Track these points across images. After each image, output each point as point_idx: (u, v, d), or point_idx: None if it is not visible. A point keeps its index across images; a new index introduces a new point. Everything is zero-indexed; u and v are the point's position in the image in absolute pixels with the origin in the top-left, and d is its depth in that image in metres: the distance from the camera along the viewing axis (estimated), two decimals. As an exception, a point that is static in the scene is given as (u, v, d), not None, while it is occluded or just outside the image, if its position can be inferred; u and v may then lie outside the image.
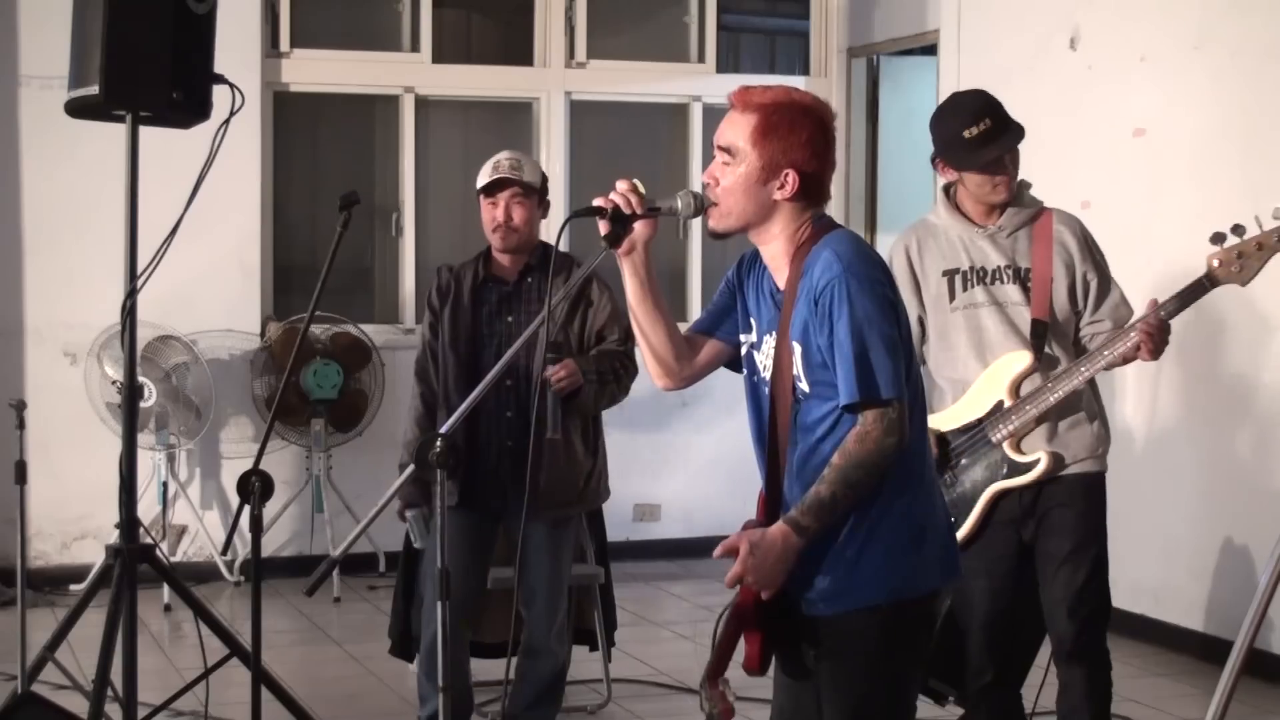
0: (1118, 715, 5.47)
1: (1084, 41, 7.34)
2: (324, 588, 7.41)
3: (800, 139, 3.18)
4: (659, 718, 6.06)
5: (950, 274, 4.53)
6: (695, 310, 8.95)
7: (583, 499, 5.29)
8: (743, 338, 3.37)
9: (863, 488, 3.12)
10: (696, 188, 3.30)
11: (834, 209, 9.10)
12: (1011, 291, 4.45)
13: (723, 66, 9.35)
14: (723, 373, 3.55)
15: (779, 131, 3.18)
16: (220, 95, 4.88)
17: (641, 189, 3.24)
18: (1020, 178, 4.56)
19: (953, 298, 4.51)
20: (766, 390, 3.29)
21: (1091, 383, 4.48)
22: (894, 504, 3.19)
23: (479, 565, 5.26)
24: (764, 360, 3.29)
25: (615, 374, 5.08)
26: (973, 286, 4.49)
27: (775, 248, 3.26)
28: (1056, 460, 4.42)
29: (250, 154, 8.31)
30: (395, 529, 5.59)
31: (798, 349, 3.18)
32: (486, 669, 5.73)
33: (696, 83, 9.21)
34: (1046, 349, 4.41)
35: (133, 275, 4.87)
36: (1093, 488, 4.49)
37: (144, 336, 7.30)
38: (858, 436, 3.09)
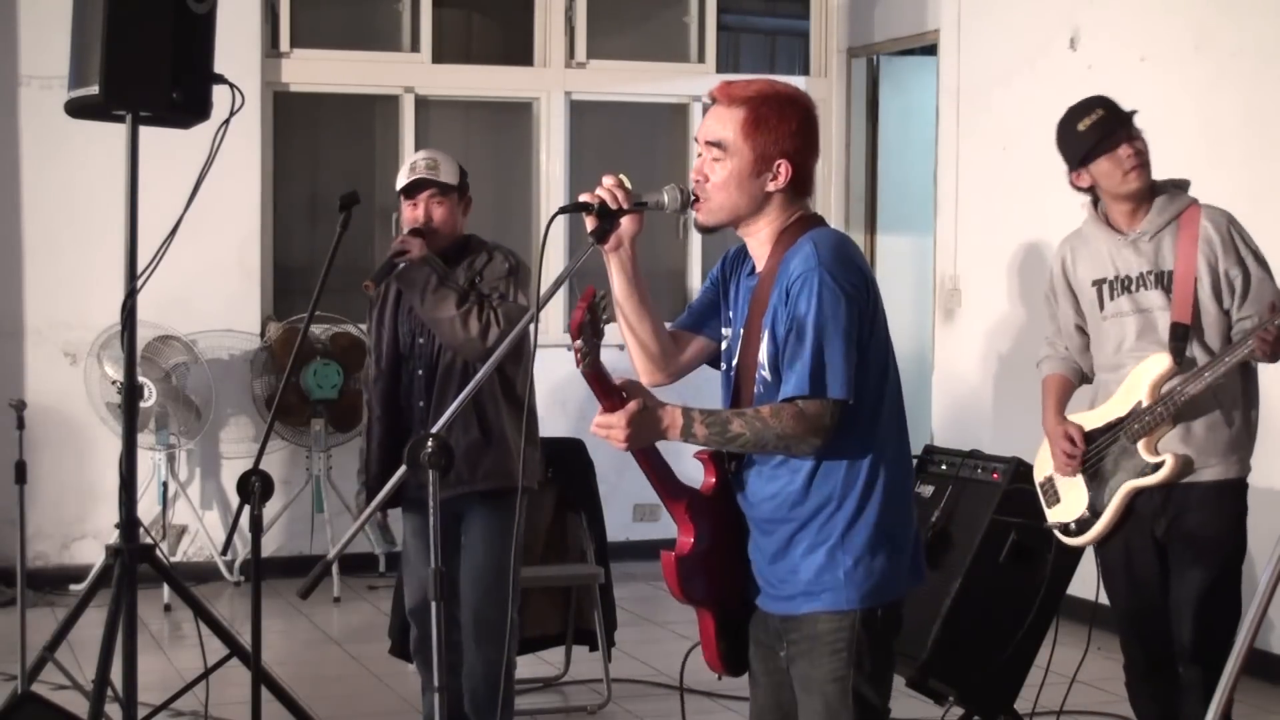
0: (1117, 715, 5.48)
1: (1084, 42, 7.34)
2: (324, 587, 7.43)
3: (790, 128, 3.19)
4: (659, 718, 6.06)
5: (1099, 284, 4.54)
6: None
7: (480, 478, 4.92)
8: (724, 332, 3.37)
9: (767, 453, 3.17)
10: (688, 183, 3.29)
11: (834, 209, 9.16)
12: (1154, 297, 4.44)
13: (723, 66, 9.35)
14: (712, 371, 3.55)
15: (769, 122, 3.19)
16: (220, 95, 4.89)
17: (628, 184, 3.23)
18: (1171, 176, 4.55)
19: (1102, 307, 4.53)
20: (734, 373, 3.30)
21: (1246, 383, 4.43)
22: (868, 509, 3.19)
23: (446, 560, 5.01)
24: (737, 346, 3.29)
25: (462, 294, 4.85)
26: (1118, 295, 4.50)
27: (762, 237, 3.26)
28: (1184, 462, 4.38)
29: (250, 154, 8.31)
30: (395, 529, 5.60)
31: (765, 336, 3.18)
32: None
33: (696, 83, 9.20)
34: (1189, 351, 4.38)
35: (132, 275, 4.87)
36: (1226, 493, 4.44)
37: (144, 336, 7.30)
38: (795, 415, 3.08)
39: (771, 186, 3.20)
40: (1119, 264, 4.50)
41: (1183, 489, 4.42)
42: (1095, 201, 4.61)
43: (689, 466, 3.34)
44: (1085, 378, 4.71)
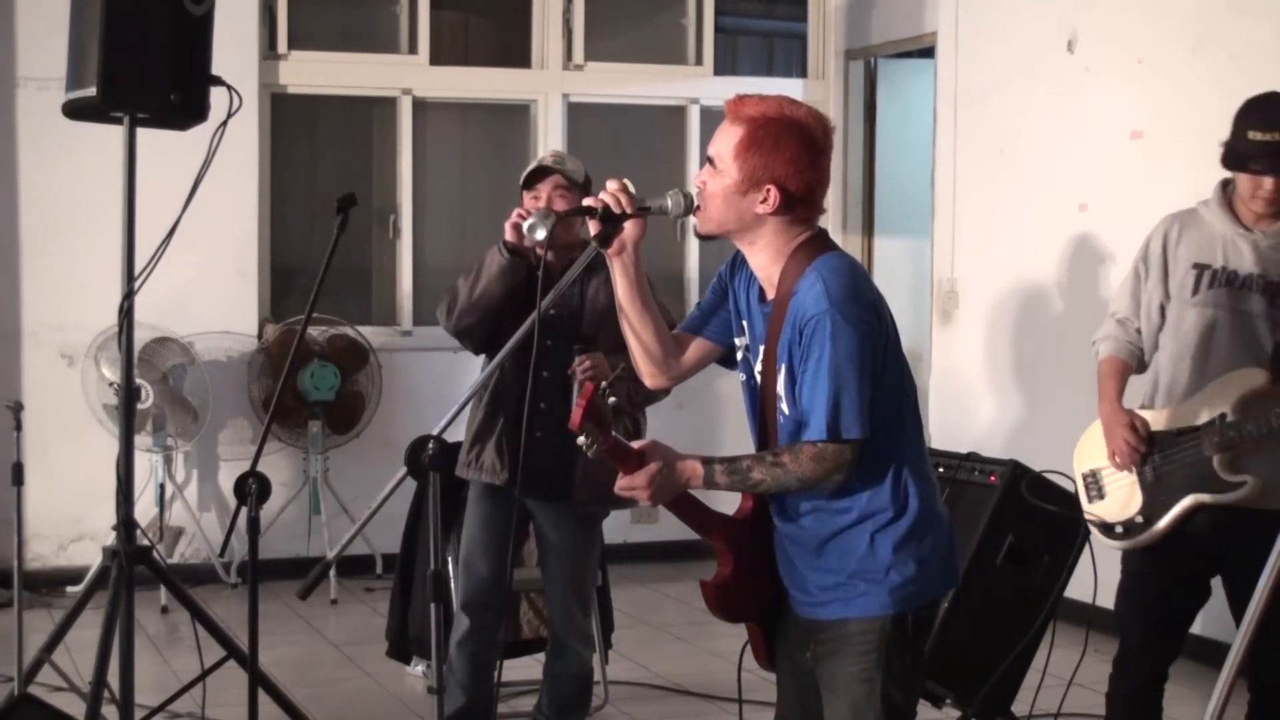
0: (1115, 717, 5.48)
1: (1081, 44, 7.34)
2: (321, 589, 7.42)
3: (783, 156, 3.17)
4: (656, 720, 6.07)
5: (1200, 268, 4.40)
6: (693, 312, 8.94)
7: (617, 499, 5.12)
8: (737, 341, 3.38)
9: (787, 493, 3.22)
10: (691, 188, 3.30)
11: (832, 211, 9.15)
12: (1255, 302, 4.33)
13: (720, 69, 9.34)
14: (720, 376, 3.56)
15: (762, 147, 3.17)
16: (218, 97, 4.89)
17: (631, 188, 3.25)
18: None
19: (1195, 291, 4.39)
20: (758, 396, 3.31)
21: None
22: (899, 517, 3.22)
23: (502, 557, 5.09)
24: (757, 369, 3.31)
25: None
26: (1219, 286, 4.37)
27: (761, 259, 3.27)
28: (1265, 487, 4.26)
29: (248, 156, 8.30)
30: (392, 531, 5.60)
31: (783, 369, 3.20)
32: (523, 666, 5.73)
33: (694, 85, 9.21)
34: None
35: (130, 277, 4.87)
36: None
37: (141, 338, 7.29)
38: (814, 456, 3.13)
39: (761, 209, 3.20)
40: (1230, 256, 4.37)
41: (1253, 516, 4.24)
42: (1225, 184, 4.48)
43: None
44: (1142, 364, 4.55)
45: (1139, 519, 4.45)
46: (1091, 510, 4.59)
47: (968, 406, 7.99)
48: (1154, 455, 4.42)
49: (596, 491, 4.91)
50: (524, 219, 4.83)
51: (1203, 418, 4.33)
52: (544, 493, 5.03)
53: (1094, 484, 4.58)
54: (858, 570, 3.21)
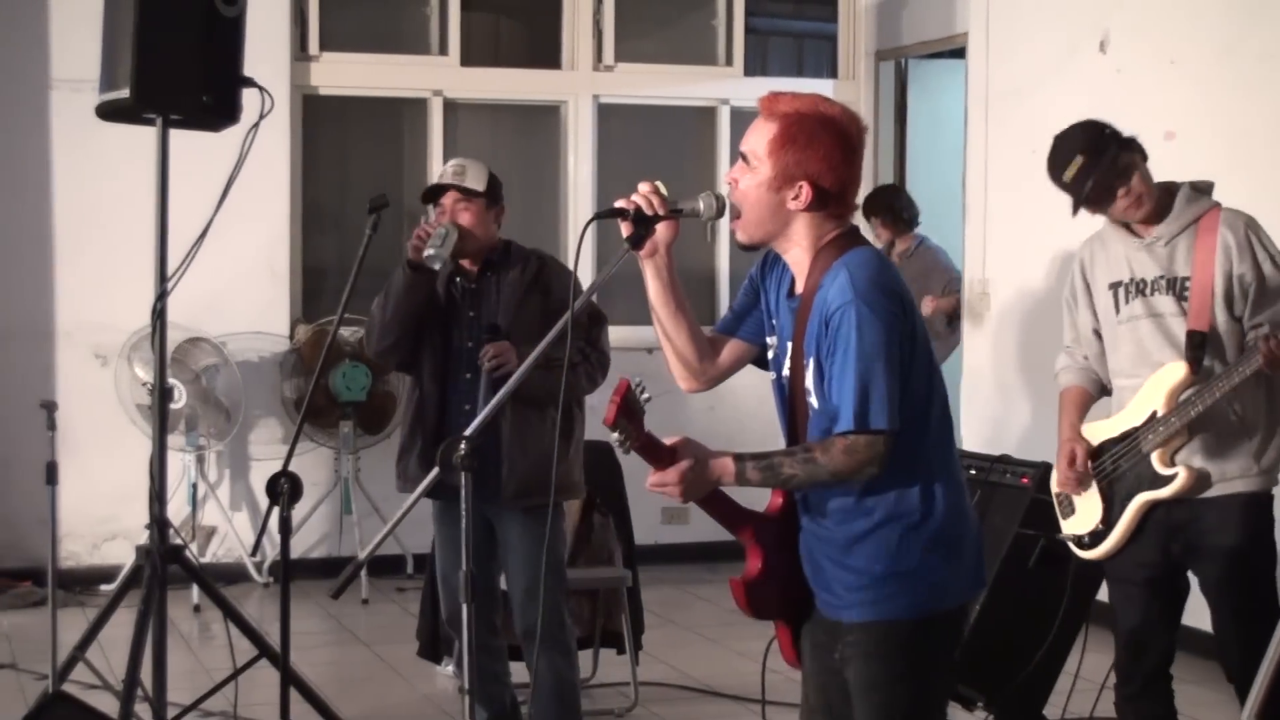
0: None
1: (1114, 44, 7.31)
2: (352, 589, 7.44)
3: (817, 153, 3.17)
4: (686, 721, 6.07)
5: (1115, 287, 4.47)
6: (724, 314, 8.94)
7: (558, 489, 5.04)
8: (769, 340, 3.38)
9: (820, 489, 3.21)
10: (723, 190, 3.30)
11: (861, 212, 9.12)
12: (1165, 303, 4.37)
13: (750, 70, 9.34)
14: (749, 376, 3.56)
15: (796, 143, 3.17)
16: (249, 98, 4.91)
17: (664, 191, 3.25)
18: (1194, 179, 4.48)
19: (1118, 310, 4.46)
20: (788, 392, 3.31)
21: (1271, 393, 4.33)
22: (927, 518, 3.21)
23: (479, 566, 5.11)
24: (786, 365, 3.31)
25: (584, 357, 5.02)
26: (1133, 299, 4.42)
27: (796, 254, 3.27)
28: (1198, 476, 4.30)
29: (279, 157, 8.34)
30: (423, 531, 5.61)
31: (810, 363, 3.20)
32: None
33: (724, 86, 9.21)
34: (1206, 360, 4.29)
35: (163, 277, 4.90)
36: (1249, 508, 4.34)
37: (174, 338, 7.32)
38: (846, 449, 3.12)
39: (793, 205, 3.20)
40: (1134, 267, 4.43)
41: (1202, 504, 4.32)
42: None
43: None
44: (1105, 388, 4.61)
45: (1100, 527, 4.49)
46: (1065, 527, 4.65)
47: (999, 408, 7.96)
48: (1105, 463, 4.47)
49: (524, 485, 4.95)
50: (424, 240, 4.90)
51: (1140, 419, 4.39)
52: (481, 495, 4.99)
53: (1066, 501, 4.63)
54: (886, 571, 3.20)
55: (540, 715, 5.11)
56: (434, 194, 5.11)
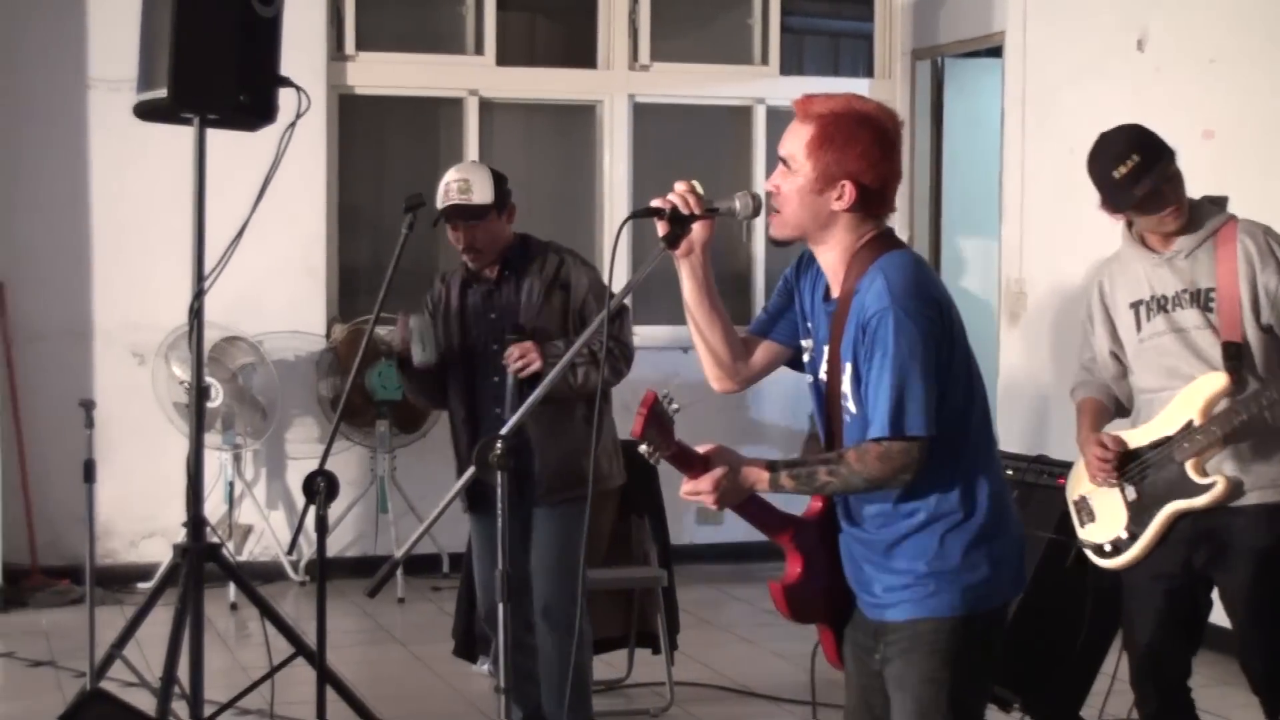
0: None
1: (1152, 43, 7.27)
2: (388, 588, 7.45)
3: (856, 151, 3.16)
4: (721, 721, 6.06)
5: (1136, 306, 4.44)
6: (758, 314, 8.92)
7: (577, 485, 5.06)
8: (804, 342, 3.37)
9: (857, 494, 3.21)
10: (759, 190, 3.29)
11: (898, 213, 9.10)
12: (1189, 316, 4.34)
13: (786, 69, 9.32)
14: (783, 376, 3.55)
15: (835, 143, 3.16)
16: (286, 98, 4.92)
17: (700, 190, 3.24)
18: (1207, 194, 4.45)
19: (1139, 329, 4.43)
20: (824, 396, 3.30)
21: None
22: (968, 518, 3.21)
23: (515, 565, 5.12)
24: (822, 369, 3.30)
25: (592, 354, 4.98)
26: (1155, 315, 4.39)
27: (832, 257, 3.26)
28: (1234, 485, 4.26)
29: (316, 156, 8.36)
30: (459, 530, 5.62)
31: (848, 368, 3.19)
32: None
33: (760, 85, 9.19)
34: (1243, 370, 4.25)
35: (200, 277, 4.91)
36: (1276, 516, 4.30)
37: (211, 337, 7.36)
38: (880, 455, 3.11)
39: (836, 206, 3.19)
40: (1155, 284, 4.39)
41: (1227, 513, 4.28)
42: (1130, 223, 4.50)
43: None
44: (1121, 406, 4.57)
45: (1125, 535, 4.44)
46: (1083, 535, 4.60)
47: (1036, 408, 7.94)
48: (1133, 471, 4.42)
49: (557, 480, 4.98)
50: (406, 341, 5.05)
51: (1172, 428, 4.34)
52: (515, 494, 4.99)
53: (1085, 508, 4.59)
54: (929, 571, 3.19)
55: (547, 696, 5.13)
56: (448, 215, 5.08)
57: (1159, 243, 4.42)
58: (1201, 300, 4.33)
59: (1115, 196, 4.34)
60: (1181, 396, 4.33)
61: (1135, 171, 4.28)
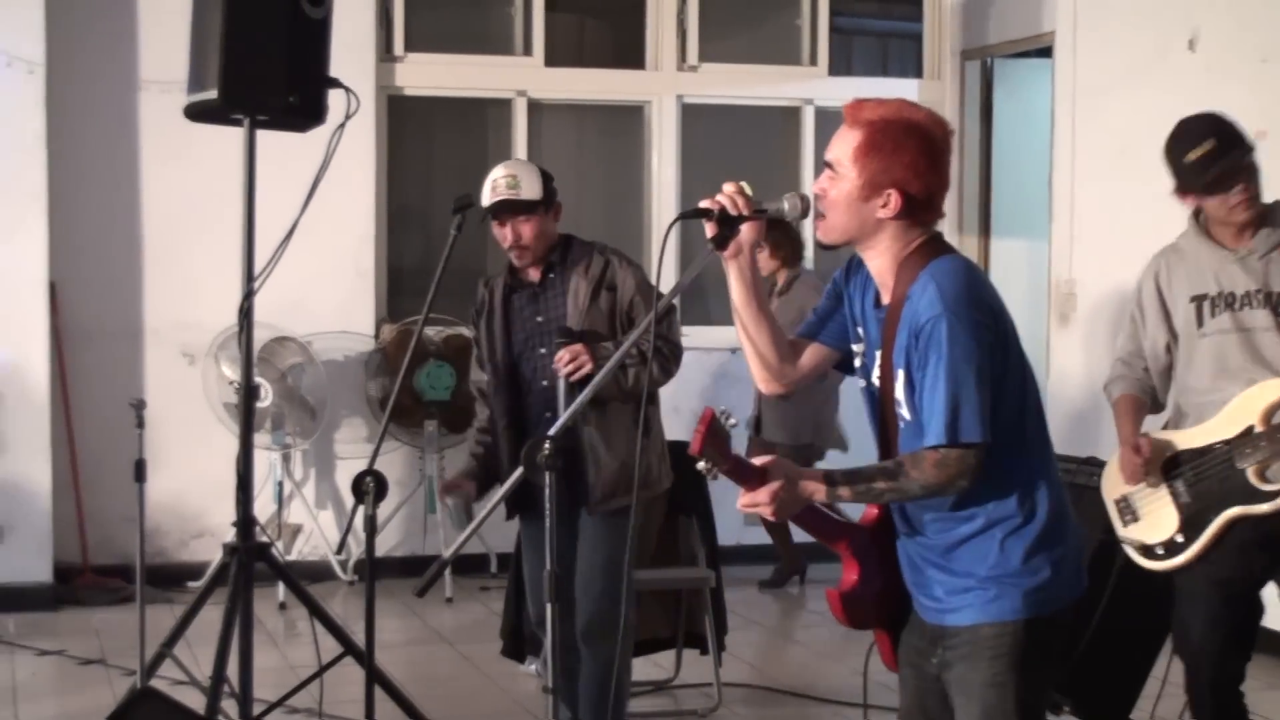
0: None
1: (1203, 42, 7.22)
2: (436, 588, 7.46)
3: (903, 160, 3.14)
4: (768, 722, 6.05)
5: (1199, 300, 4.41)
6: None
7: (642, 485, 5.07)
8: (855, 347, 3.36)
9: (914, 501, 3.19)
10: (807, 191, 3.28)
11: (947, 214, 9.07)
12: (1259, 317, 4.32)
13: (835, 69, 9.30)
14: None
15: (882, 151, 3.14)
16: (335, 99, 4.94)
17: (749, 191, 3.23)
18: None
19: (1200, 324, 4.40)
20: (878, 402, 3.29)
21: None
22: (1029, 522, 3.19)
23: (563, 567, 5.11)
24: (875, 374, 3.29)
25: (641, 354, 4.91)
26: (1220, 313, 4.37)
27: (880, 263, 3.24)
28: None
29: (365, 157, 8.39)
30: (507, 530, 5.62)
31: (900, 374, 3.18)
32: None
33: (808, 86, 9.17)
34: None
35: (249, 277, 4.93)
36: None
37: (260, 338, 7.38)
38: (937, 463, 3.10)
39: (882, 214, 3.17)
40: (1223, 280, 4.36)
41: None
42: (1197, 213, 4.48)
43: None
44: (1157, 403, 4.55)
45: (1179, 538, 4.41)
46: (1127, 534, 4.56)
47: (1086, 409, 7.89)
48: (1185, 472, 4.39)
49: (611, 488, 4.95)
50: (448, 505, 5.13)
51: (1230, 432, 4.30)
52: (567, 500, 4.98)
53: (1127, 508, 4.56)
54: (990, 575, 3.18)
55: (585, 702, 5.10)
56: (496, 210, 5.06)
57: (1230, 238, 4.39)
58: (1274, 303, 4.30)
59: (1187, 179, 4.32)
60: (1240, 401, 4.29)
61: (1209, 156, 4.27)
